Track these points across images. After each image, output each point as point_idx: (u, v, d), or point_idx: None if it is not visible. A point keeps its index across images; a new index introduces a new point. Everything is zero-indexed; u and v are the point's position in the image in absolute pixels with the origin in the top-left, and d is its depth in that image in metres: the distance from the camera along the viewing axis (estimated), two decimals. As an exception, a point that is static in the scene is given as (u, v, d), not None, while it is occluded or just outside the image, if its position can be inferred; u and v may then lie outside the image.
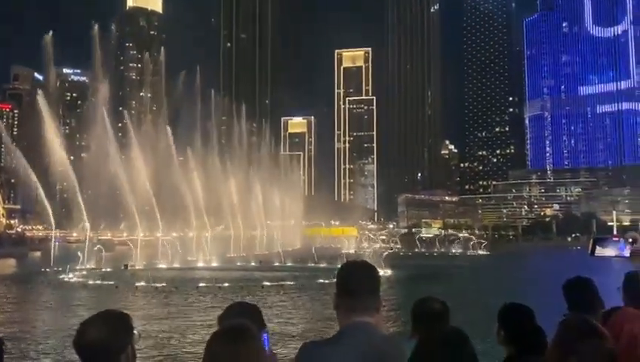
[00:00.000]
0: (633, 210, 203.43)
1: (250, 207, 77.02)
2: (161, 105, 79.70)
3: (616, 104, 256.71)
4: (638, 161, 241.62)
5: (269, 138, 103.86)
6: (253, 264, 56.73)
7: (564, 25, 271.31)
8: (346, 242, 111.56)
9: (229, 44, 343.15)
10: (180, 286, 33.14)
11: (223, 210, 72.70)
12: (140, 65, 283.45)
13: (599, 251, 2.75)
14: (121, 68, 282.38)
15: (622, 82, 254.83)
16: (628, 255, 2.50)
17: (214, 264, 37.49)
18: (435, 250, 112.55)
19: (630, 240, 2.46)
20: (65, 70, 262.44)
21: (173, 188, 62.29)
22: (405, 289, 32.05)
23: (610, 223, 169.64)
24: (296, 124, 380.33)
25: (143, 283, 34.30)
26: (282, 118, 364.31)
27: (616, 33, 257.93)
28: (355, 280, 2.94)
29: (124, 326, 2.59)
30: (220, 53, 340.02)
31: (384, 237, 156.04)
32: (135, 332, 2.58)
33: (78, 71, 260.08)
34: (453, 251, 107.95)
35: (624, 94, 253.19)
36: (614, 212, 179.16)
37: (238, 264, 56.25)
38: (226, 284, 33.63)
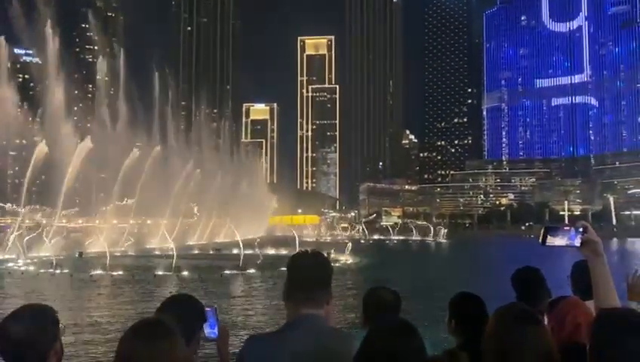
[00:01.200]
0: (584, 199, 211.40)
1: (210, 195, 76.15)
2: (117, 88, 77.66)
3: (570, 97, 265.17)
4: (590, 152, 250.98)
5: (229, 124, 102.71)
6: (211, 252, 56.32)
7: (522, 18, 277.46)
8: (307, 230, 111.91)
9: (189, 28, 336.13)
10: (136, 275, 32.57)
11: (183, 197, 71.66)
12: (96, 48, 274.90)
13: (550, 240, 2.72)
14: (77, 49, 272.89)
15: (576, 76, 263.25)
16: (578, 244, 2.50)
17: (173, 252, 36.92)
18: (395, 238, 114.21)
19: (581, 229, 2.46)
20: (16, 50, 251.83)
21: (131, 174, 60.93)
22: (366, 277, 32.45)
23: (562, 212, 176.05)
24: (259, 110, 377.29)
25: (99, 272, 33.53)
26: (244, 105, 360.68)
27: (571, 28, 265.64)
28: (305, 271, 2.86)
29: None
30: (181, 37, 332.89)
31: (345, 225, 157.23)
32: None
33: (31, 52, 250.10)
34: (413, 238, 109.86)
35: (578, 88, 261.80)
36: (566, 202, 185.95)
37: (196, 252, 55.73)
38: (185, 273, 33.25)
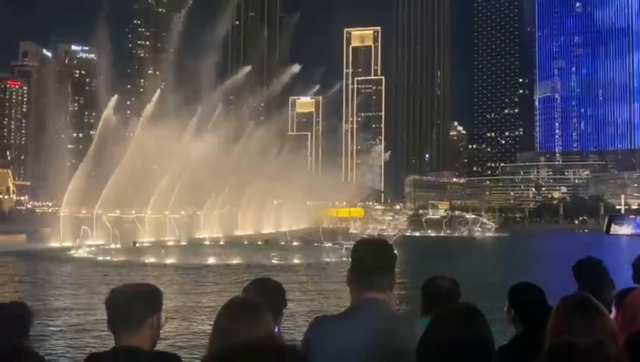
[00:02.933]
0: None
1: (258, 187, 77.23)
2: (169, 83, 79.64)
3: (627, 87, 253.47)
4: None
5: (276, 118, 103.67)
6: (259, 243, 57.18)
7: (577, 5, 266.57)
8: (352, 223, 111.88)
9: (237, 22, 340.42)
10: (187, 265, 33.47)
11: (231, 189, 72.99)
12: (148, 43, 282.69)
13: (615, 229, 2.74)
14: (130, 45, 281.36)
15: (633, 64, 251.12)
16: None
17: (222, 242, 37.77)
18: (442, 232, 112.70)
19: None
20: (73, 47, 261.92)
21: (184, 167, 62.49)
22: (414, 270, 32.22)
23: (618, 206, 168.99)
24: (304, 103, 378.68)
25: (152, 260, 34.67)
26: (290, 98, 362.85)
27: (627, 15, 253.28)
28: (369, 257, 2.94)
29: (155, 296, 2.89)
30: (230, 31, 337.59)
31: (391, 218, 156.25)
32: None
33: (87, 48, 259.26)
34: (461, 232, 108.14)
35: (635, 77, 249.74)
36: (623, 195, 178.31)
37: (246, 243, 56.71)
38: (235, 262, 33.95)
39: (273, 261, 34.83)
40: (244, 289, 3.21)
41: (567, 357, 1.92)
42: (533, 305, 3.63)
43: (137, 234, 54.67)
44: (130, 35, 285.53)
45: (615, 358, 1.88)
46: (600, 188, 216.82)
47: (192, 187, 67.27)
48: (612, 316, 3.41)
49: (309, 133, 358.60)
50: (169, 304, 20.29)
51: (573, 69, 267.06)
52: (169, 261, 34.12)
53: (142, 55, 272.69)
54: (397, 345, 2.49)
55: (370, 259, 2.94)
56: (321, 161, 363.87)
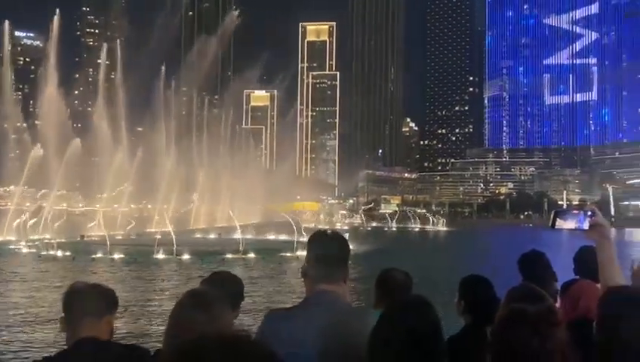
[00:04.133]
0: (583, 189, 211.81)
1: (211, 181, 76.28)
2: (117, 73, 77.39)
3: (571, 87, 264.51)
4: (589, 142, 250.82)
5: (230, 111, 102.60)
6: (212, 236, 56.57)
7: (525, 7, 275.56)
8: (306, 216, 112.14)
9: (190, 13, 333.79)
10: (138, 258, 32.78)
11: (184, 183, 71.83)
12: (97, 31, 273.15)
13: (559, 223, 2.81)
14: (78, 33, 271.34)
15: (577, 66, 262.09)
16: (587, 227, 2.59)
17: (174, 236, 37.10)
18: (394, 226, 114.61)
19: (589, 213, 2.52)
20: (17, 33, 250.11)
21: (132, 160, 61.02)
22: (367, 263, 32.66)
23: (560, 202, 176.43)
24: (259, 97, 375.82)
25: (100, 255, 33.75)
26: (245, 91, 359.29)
27: (574, 18, 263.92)
28: (324, 248, 2.93)
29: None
30: (182, 22, 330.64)
31: (344, 212, 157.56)
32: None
33: (32, 34, 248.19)
34: (412, 227, 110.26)
35: (579, 78, 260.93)
36: (565, 191, 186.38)
37: (198, 236, 56.00)
38: (186, 256, 33.48)
39: (227, 255, 34.57)
40: (201, 283, 3.17)
41: (520, 319, 2.05)
42: (482, 297, 3.72)
43: (86, 227, 53.06)
44: (78, 23, 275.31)
45: (561, 326, 2.05)
46: (544, 185, 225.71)
47: (143, 180, 65.82)
48: (557, 306, 3.61)
49: (263, 127, 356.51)
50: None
51: (521, 69, 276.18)
52: (117, 256, 33.32)
53: (91, 43, 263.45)
54: (352, 337, 2.48)
55: (326, 251, 2.92)
56: (276, 154, 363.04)
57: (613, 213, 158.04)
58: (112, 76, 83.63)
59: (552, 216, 3.05)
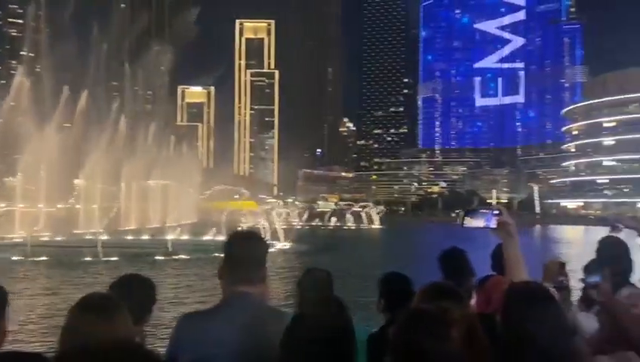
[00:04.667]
0: (511, 188, 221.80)
1: (141, 179, 73.85)
2: (45, 66, 73.55)
3: (499, 90, 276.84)
4: (516, 143, 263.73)
5: (164, 107, 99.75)
6: (145, 237, 54.72)
7: (457, 12, 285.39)
8: (245, 216, 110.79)
9: (123, 5, 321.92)
10: (63, 261, 31.14)
11: (114, 180, 69.13)
12: (22, 21, 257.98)
13: (468, 222, 2.90)
14: (0, 23, 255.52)
15: (505, 70, 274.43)
16: (494, 226, 2.70)
17: (102, 237, 35.53)
18: (331, 224, 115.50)
19: (496, 212, 2.61)
20: None
21: (59, 156, 58.03)
22: (302, 262, 32.63)
23: (490, 200, 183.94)
24: (195, 93, 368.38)
25: (20, 257, 31.81)
26: (179, 87, 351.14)
27: (502, 24, 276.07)
28: (240, 249, 2.88)
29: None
30: (114, 14, 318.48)
31: (283, 211, 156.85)
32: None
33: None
34: (349, 224, 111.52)
35: (507, 81, 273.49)
36: (494, 190, 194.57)
37: (129, 238, 53.99)
38: (115, 259, 32.13)
39: (157, 256, 33.47)
40: (110, 287, 3.07)
41: (416, 320, 2.13)
42: (400, 294, 3.70)
43: (6, 228, 49.95)
44: (0, 12, 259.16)
45: (458, 323, 2.15)
46: (474, 184, 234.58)
47: (70, 179, 62.81)
48: (474, 301, 3.67)
49: (199, 124, 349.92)
50: (35, 302, 18.71)
51: (453, 71, 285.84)
52: (40, 258, 31.50)
53: (14, 34, 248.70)
54: (269, 339, 2.42)
55: (243, 252, 2.87)
56: (213, 153, 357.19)
57: (538, 210, 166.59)
58: (38, 69, 79.33)
59: (461, 215, 3.18)
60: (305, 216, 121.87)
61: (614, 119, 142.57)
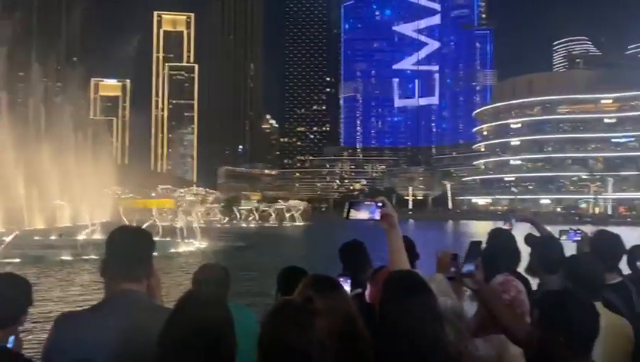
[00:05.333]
0: (426, 185, 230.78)
1: (50, 175, 69.72)
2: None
3: (416, 92, 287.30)
4: (432, 143, 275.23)
5: (76, 100, 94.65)
6: (53, 237, 51.70)
7: (377, 14, 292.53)
8: (161, 214, 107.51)
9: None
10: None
11: (19, 177, 64.71)
12: None
13: (353, 214, 2.91)
14: None
15: (422, 72, 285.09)
16: (378, 217, 2.73)
17: (4, 238, 33.17)
18: (253, 222, 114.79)
19: (380, 203, 2.64)
20: None
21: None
22: (215, 260, 32.17)
23: (407, 197, 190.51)
24: (109, 86, 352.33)
25: None
26: (92, 79, 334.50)
27: (419, 27, 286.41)
28: (122, 245, 2.80)
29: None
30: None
31: (202, 209, 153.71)
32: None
33: None
34: (271, 223, 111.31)
35: (424, 84, 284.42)
36: (411, 188, 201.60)
37: (36, 238, 50.79)
38: (17, 260, 30.12)
39: (64, 257, 31.75)
40: None
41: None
42: (295, 288, 3.80)
43: None
44: None
45: (323, 312, 2.18)
46: (393, 181, 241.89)
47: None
48: (367, 292, 3.71)
49: (114, 119, 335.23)
50: None
51: (373, 72, 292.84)
52: None
53: None
54: (152, 338, 2.33)
55: (126, 247, 2.78)
56: (129, 148, 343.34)
57: (451, 206, 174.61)
58: None
59: (346, 207, 3.19)
60: (224, 214, 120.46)
61: (520, 121, 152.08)
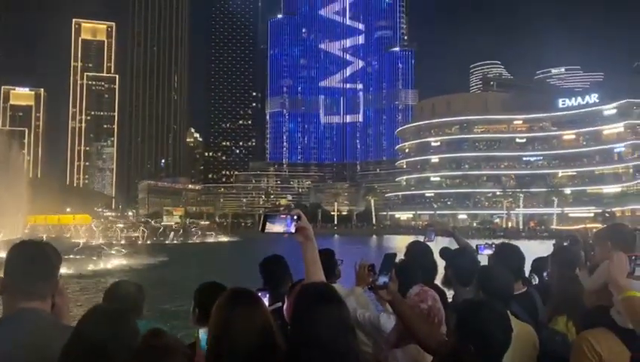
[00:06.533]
0: (351, 201, 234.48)
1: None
2: None
3: (342, 109, 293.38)
4: (357, 159, 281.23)
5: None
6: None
7: (303, 31, 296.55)
8: (78, 231, 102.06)
9: None
10: None
11: None
12: None
13: (269, 227, 2.91)
14: None
15: (347, 90, 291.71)
16: (294, 230, 2.74)
17: None
18: (175, 239, 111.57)
19: (295, 216, 2.66)
20: None
21: None
22: (137, 279, 30.97)
23: (332, 213, 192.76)
24: (21, 95, 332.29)
25: None
26: (2, 87, 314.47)
27: (345, 46, 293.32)
28: (25, 261, 2.66)
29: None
30: None
31: (122, 225, 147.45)
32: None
33: None
34: (194, 239, 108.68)
35: (349, 101, 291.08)
36: (336, 203, 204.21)
37: None
38: None
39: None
40: None
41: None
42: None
43: None
44: None
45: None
46: (319, 197, 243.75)
47: None
48: (285, 306, 3.74)
49: (26, 129, 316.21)
50: None
51: (300, 88, 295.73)
52: None
53: None
54: (53, 357, 2.25)
55: (28, 263, 2.64)
56: (42, 161, 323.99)
57: (374, 221, 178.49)
58: None
59: (261, 220, 3.17)
60: (146, 232, 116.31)
61: (439, 139, 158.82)
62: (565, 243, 7.86)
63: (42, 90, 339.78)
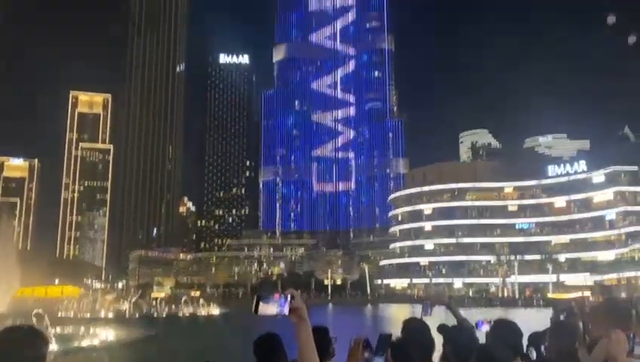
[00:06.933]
0: (344, 269, 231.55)
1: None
2: None
3: (334, 176, 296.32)
4: (350, 226, 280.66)
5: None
6: None
7: (296, 103, 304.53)
8: (65, 304, 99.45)
9: None
10: None
11: None
12: None
13: (262, 309, 2.84)
14: None
15: (340, 159, 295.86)
16: (287, 312, 2.67)
17: None
18: (165, 311, 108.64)
19: (289, 297, 2.60)
20: None
21: None
22: (118, 357, 30.03)
23: (326, 281, 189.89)
24: (15, 166, 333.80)
25: None
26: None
27: (336, 117, 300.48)
28: (7, 349, 2.66)
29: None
30: None
31: (112, 297, 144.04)
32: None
33: None
34: (184, 312, 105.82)
35: (342, 170, 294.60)
36: (330, 271, 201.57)
37: None
38: None
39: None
40: None
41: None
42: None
43: None
44: None
45: None
46: (312, 265, 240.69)
47: None
48: None
49: (18, 200, 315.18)
50: None
51: (293, 157, 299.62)
52: None
53: None
54: None
55: (13, 352, 2.64)
56: (33, 232, 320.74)
57: (369, 290, 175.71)
58: None
59: (254, 301, 3.11)
60: (134, 303, 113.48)
61: (431, 206, 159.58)
62: (562, 317, 7.81)
63: (36, 160, 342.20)
